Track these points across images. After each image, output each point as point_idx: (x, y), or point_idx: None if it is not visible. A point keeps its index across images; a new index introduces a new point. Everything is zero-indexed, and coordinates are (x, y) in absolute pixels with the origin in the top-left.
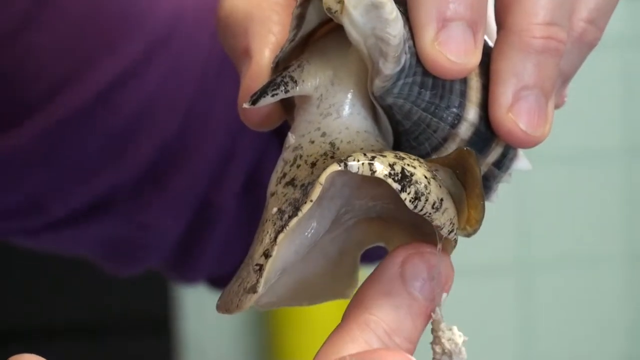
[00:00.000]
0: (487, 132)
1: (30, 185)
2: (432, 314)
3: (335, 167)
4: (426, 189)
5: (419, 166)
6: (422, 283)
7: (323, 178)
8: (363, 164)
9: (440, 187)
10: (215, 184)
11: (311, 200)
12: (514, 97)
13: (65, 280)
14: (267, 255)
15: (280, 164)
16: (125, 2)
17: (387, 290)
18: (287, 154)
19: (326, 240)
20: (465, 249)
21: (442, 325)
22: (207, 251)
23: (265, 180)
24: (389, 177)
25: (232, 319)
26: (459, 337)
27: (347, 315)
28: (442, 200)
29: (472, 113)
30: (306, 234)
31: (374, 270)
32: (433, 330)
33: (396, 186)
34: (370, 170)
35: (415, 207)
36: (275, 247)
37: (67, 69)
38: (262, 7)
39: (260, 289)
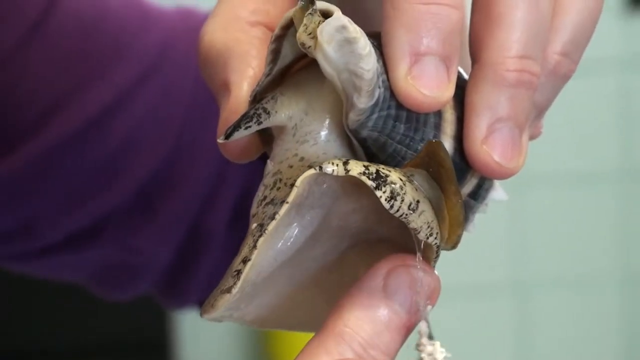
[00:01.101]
0: (461, 163)
1: (21, 210)
2: (421, 325)
3: (311, 172)
4: (401, 189)
5: (394, 171)
6: (404, 296)
7: (299, 181)
8: (337, 165)
9: (416, 190)
10: (205, 210)
11: (287, 202)
12: (488, 129)
13: (64, 304)
14: (245, 260)
15: (260, 189)
16: (117, 29)
17: (367, 302)
18: (267, 180)
19: (319, 268)
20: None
21: (424, 340)
22: (198, 276)
23: None
24: (363, 174)
25: (230, 342)
26: (440, 353)
27: (325, 326)
28: (418, 202)
29: (447, 145)
30: (285, 240)
31: (357, 281)
32: (417, 344)
33: (370, 184)
34: (345, 169)
35: (392, 207)
36: (255, 252)
37: (58, 95)
38: (241, 41)
39: (235, 290)
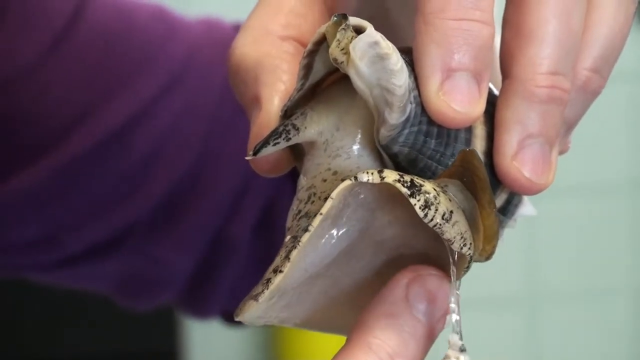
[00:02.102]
0: (492, 179)
1: (45, 221)
2: (449, 336)
3: (346, 183)
4: (435, 199)
5: (428, 182)
6: (427, 305)
7: (334, 193)
8: (373, 173)
9: (450, 200)
10: (228, 220)
11: (321, 214)
12: (518, 145)
13: (74, 313)
14: (276, 270)
15: (295, 203)
16: (142, 41)
17: (391, 312)
18: (301, 194)
19: (354, 285)
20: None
21: (449, 352)
22: (221, 286)
23: (280, 217)
24: (398, 182)
25: (240, 353)
26: None
27: (350, 338)
28: (452, 212)
29: None
30: (319, 252)
31: (380, 292)
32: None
33: (405, 191)
34: (380, 177)
35: (426, 215)
36: (288, 264)
37: (82, 107)
38: (272, 56)
39: (262, 299)
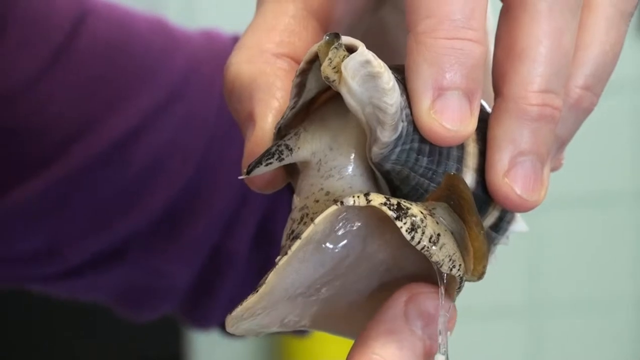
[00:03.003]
0: (484, 196)
1: (46, 232)
2: (437, 354)
3: (332, 209)
4: (422, 222)
5: (415, 205)
6: (426, 322)
7: (319, 219)
8: (359, 196)
9: (437, 223)
10: (227, 232)
11: (299, 239)
12: (510, 162)
13: (76, 323)
14: (256, 289)
15: (289, 223)
16: (142, 54)
17: (391, 329)
18: (294, 214)
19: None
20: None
21: None
22: (220, 297)
23: (277, 228)
24: (384, 205)
25: None
26: None
27: (351, 355)
28: (439, 235)
29: (469, 178)
30: (299, 276)
31: (379, 309)
32: None
33: (391, 214)
34: (366, 200)
35: (412, 238)
36: (263, 286)
37: (82, 119)
38: (267, 73)
39: (233, 314)
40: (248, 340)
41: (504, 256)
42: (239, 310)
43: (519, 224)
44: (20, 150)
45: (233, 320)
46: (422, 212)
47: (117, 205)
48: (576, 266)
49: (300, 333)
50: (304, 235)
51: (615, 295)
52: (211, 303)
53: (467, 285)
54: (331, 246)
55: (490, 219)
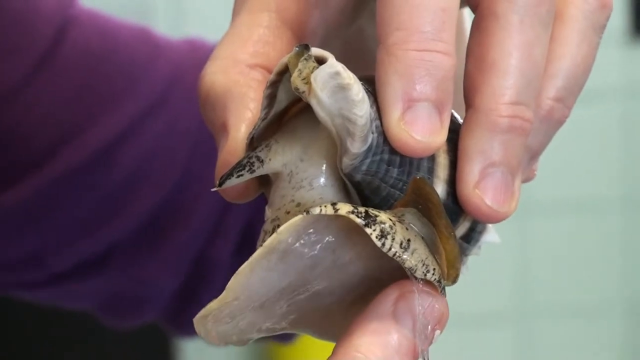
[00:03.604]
0: (454, 207)
1: (29, 240)
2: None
3: (297, 218)
4: (391, 228)
5: (383, 212)
6: (414, 321)
7: (283, 228)
8: (326, 206)
9: (407, 229)
10: (211, 240)
11: (260, 246)
12: (480, 174)
13: (63, 329)
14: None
15: (261, 234)
16: (126, 61)
17: (377, 327)
18: (266, 225)
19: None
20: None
21: None
22: (204, 305)
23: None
24: (352, 213)
25: None
26: None
27: (336, 352)
28: (409, 240)
29: (439, 189)
30: (264, 285)
31: (367, 307)
32: None
33: (359, 221)
34: (334, 209)
35: (383, 245)
36: (224, 292)
37: (66, 127)
38: (240, 84)
39: (197, 316)
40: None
41: (492, 262)
42: (201, 312)
43: (491, 234)
44: (5, 157)
45: (197, 323)
46: (390, 219)
47: (100, 212)
48: (564, 272)
49: (284, 340)
50: (266, 243)
51: (604, 301)
52: (196, 310)
53: (456, 291)
54: (297, 256)
55: (461, 229)
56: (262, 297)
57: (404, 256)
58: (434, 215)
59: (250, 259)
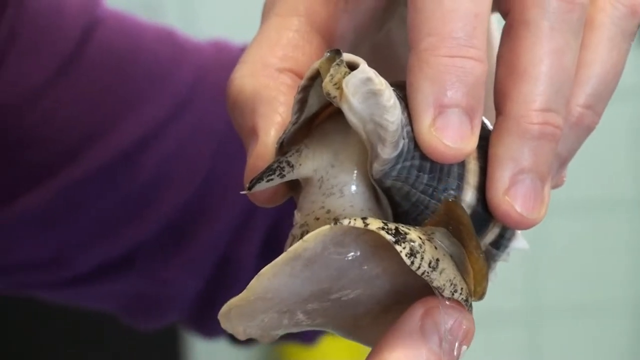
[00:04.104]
0: (484, 213)
1: (53, 240)
2: None
3: (324, 228)
4: (420, 247)
5: (413, 230)
6: (441, 337)
7: (309, 236)
8: (355, 219)
9: (435, 248)
10: (235, 241)
11: (287, 251)
12: (510, 180)
13: (74, 329)
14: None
15: (289, 239)
16: (150, 63)
17: (406, 343)
18: (295, 230)
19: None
20: None
21: None
22: None
23: (284, 238)
24: (382, 229)
25: None
26: None
27: None
28: (437, 260)
29: (469, 195)
30: (289, 288)
31: (395, 323)
32: None
33: (390, 238)
34: (364, 223)
35: (412, 263)
36: (244, 291)
37: (90, 129)
38: (270, 88)
39: (220, 313)
40: (248, 351)
41: (501, 262)
42: (223, 308)
43: (520, 241)
44: (27, 159)
45: (222, 318)
46: (420, 237)
47: (124, 214)
48: (575, 272)
49: (307, 341)
50: (291, 248)
51: (613, 301)
52: (218, 312)
53: None
54: (322, 266)
55: (490, 235)
56: (284, 301)
57: (432, 276)
58: (465, 237)
59: (274, 262)
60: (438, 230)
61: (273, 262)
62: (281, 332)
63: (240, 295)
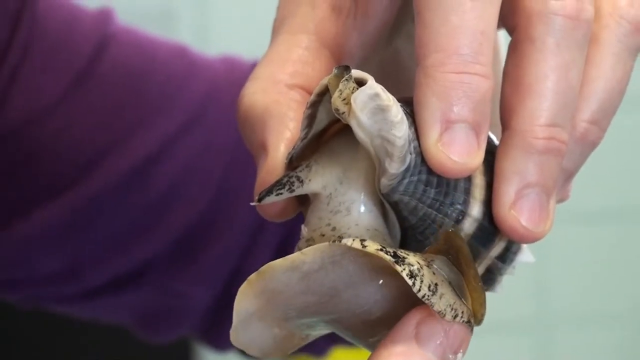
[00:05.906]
0: (490, 227)
1: (66, 254)
2: None
3: (323, 244)
4: (419, 271)
5: (413, 255)
6: (437, 345)
7: (308, 249)
8: (354, 239)
9: (434, 274)
10: (246, 255)
11: (284, 258)
12: (516, 195)
13: (83, 339)
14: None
15: (295, 251)
16: (163, 79)
17: (402, 351)
18: (301, 243)
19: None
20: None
21: None
22: None
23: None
24: (381, 251)
25: None
26: None
27: None
28: (436, 284)
29: (476, 209)
30: (283, 298)
31: (391, 331)
32: None
33: (389, 258)
34: (362, 245)
35: (414, 285)
36: (237, 297)
37: (103, 144)
38: (280, 103)
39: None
40: None
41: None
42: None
43: (526, 254)
44: (41, 173)
45: (233, 332)
46: (418, 262)
47: (136, 228)
48: (585, 280)
49: (317, 353)
50: (288, 257)
51: (624, 310)
52: (230, 325)
53: None
54: (317, 281)
55: (496, 249)
56: (282, 309)
57: (433, 299)
58: (463, 265)
59: (272, 263)
60: (438, 258)
61: (265, 266)
62: (290, 349)
63: (234, 306)
